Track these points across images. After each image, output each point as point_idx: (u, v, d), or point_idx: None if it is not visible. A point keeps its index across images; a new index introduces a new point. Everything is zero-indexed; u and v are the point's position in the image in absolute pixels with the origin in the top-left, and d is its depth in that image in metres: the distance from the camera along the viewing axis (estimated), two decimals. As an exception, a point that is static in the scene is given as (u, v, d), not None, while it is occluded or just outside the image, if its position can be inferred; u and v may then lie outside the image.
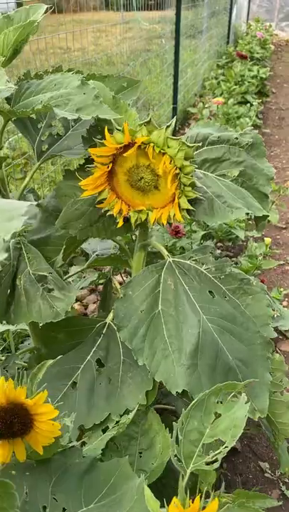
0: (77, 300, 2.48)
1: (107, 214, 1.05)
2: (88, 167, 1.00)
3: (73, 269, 1.63)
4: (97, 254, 1.39)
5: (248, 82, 4.97)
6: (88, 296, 2.50)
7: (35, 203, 1.29)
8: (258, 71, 5.24)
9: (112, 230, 1.10)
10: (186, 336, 1.00)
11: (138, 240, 1.21)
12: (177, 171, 0.94)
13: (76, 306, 2.41)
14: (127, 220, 1.05)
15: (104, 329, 1.19)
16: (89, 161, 1.04)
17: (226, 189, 1.06)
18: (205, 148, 1.10)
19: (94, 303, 2.50)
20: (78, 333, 1.18)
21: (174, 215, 1.00)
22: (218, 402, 0.79)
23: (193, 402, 0.75)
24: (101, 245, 1.46)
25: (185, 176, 0.95)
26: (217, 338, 1.01)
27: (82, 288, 1.53)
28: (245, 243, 2.47)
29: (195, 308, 1.03)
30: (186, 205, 0.98)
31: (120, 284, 2.56)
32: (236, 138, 1.09)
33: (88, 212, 1.08)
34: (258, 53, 6.13)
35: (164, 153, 0.94)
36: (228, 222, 2.04)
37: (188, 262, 1.09)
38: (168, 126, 0.93)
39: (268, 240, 2.01)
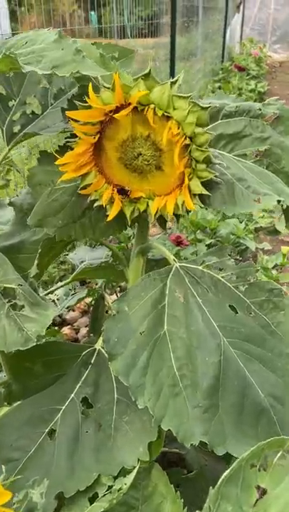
0: (67, 323, 2.20)
1: (95, 205, 0.80)
2: (68, 141, 0.75)
3: (56, 286, 1.36)
4: (85, 264, 1.13)
5: (246, 95, 4.82)
6: (80, 319, 2.23)
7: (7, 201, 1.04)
8: (256, 85, 5.12)
9: (101, 228, 0.85)
10: (202, 367, 0.74)
11: (135, 242, 0.96)
12: (187, 141, 0.70)
13: (66, 330, 2.14)
14: (120, 213, 0.79)
15: (93, 358, 0.92)
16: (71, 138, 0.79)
17: (249, 172, 0.81)
18: (220, 121, 0.85)
19: (86, 326, 2.23)
20: (59, 364, 0.92)
21: (184, 202, 0.75)
22: (259, 469, 0.52)
23: (225, 475, 0.48)
24: (91, 255, 1.21)
25: (198, 148, 0.70)
26: (243, 367, 0.75)
27: (68, 307, 1.26)
28: (254, 256, 2.22)
29: (213, 329, 0.77)
30: (199, 188, 0.73)
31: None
32: (259, 109, 0.86)
33: (70, 204, 0.83)
34: (253, 70, 6.04)
35: (168, 118, 0.70)
36: (236, 232, 1.80)
37: (200, 267, 0.83)
38: (174, 82, 0.69)
39: (285, 249, 1.76)
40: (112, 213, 0.77)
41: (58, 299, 1.38)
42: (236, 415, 0.72)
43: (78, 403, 0.85)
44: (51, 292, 1.13)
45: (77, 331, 2.20)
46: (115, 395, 0.86)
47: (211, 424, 0.71)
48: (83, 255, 1.18)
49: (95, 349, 0.93)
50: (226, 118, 0.85)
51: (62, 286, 1.15)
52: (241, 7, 10.89)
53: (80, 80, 0.83)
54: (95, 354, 0.92)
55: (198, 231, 1.72)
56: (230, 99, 0.88)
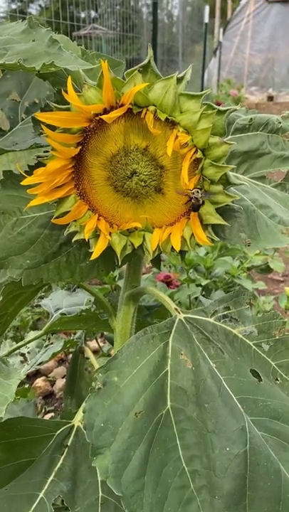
0: (41, 374, 1.96)
1: (74, 240, 0.61)
2: (40, 156, 0.56)
3: (29, 336, 1.15)
4: (62, 313, 0.93)
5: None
6: (56, 369, 1.98)
7: None
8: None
9: (82, 269, 0.66)
10: (222, 460, 0.54)
11: (125, 285, 0.77)
12: (198, 154, 0.52)
13: (40, 382, 1.89)
14: (108, 249, 0.60)
15: (70, 439, 0.71)
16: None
17: (271, 197, 0.64)
18: (231, 136, 0.69)
19: (64, 377, 1.98)
20: (26, 447, 0.70)
21: (193, 235, 0.57)
22: None
23: None
24: (69, 300, 1.00)
25: (213, 163, 0.53)
26: (276, 459, 0.55)
27: (40, 363, 1.04)
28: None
29: (232, 404, 0.57)
30: (213, 217, 0.55)
31: (95, 353, 2.06)
32: (279, 122, 0.70)
33: (41, 239, 0.64)
34: (233, 110, 6.09)
35: (174, 124, 0.52)
36: (231, 271, 1.63)
37: (211, 320, 0.64)
38: (180, 78, 0.52)
39: (288, 290, 1.59)
40: (96, 250, 0.58)
41: (28, 352, 1.16)
42: (271, 531, 0.52)
43: (49, 507, 0.63)
44: (19, 348, 0.92)
45: (52, 382, 1.95)
46: (100, 494, 0.64)
47: None
48: (59, 301, 0.98)
49: (73, 426, 0.72)
50: (238, 132, 0.69)
51: (33, 340, 0.94)
52: (218, 52, 11.28)
53: (55, 83, 0.66)
54: (73, 433, 0.71)
55: (191, 270, 1.54)
56: (242, 111, 0.72)
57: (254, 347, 0.63)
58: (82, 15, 6.00)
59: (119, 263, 0.62)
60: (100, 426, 0.54)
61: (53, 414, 1.83)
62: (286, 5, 10.81)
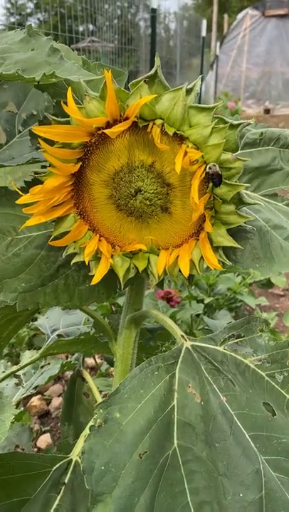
0: (37, 392, 1.89)
1: (73, 262, 0.56)
2: (37, 172, 0.52)
3: (25, 356, 1.10)
4: (59, 335, 0.88)
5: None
6: (52, 387, 1.92)
7: None
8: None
9: (81, 292, 0.61)
10: (235, 508, 0.49)
11: (126, 308, 0.72)
12: (209, 171, 0.48)
13: (35, 401, 1.83)
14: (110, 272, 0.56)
15: (68, 475, 0.65)
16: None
17: (284, 217, 0.60)
18: (240, 151, 0.65)
19: (60, 395, 1.92)
20: (19, 485, 0.64)
21: (202, 258, 0.52)
22: None
23: None
24: (66, 319, 0.95)
25: (225, 181, 0.49)
26: (294, 505, 0.50)
27: (36, 387, 0.99)
28: (249, 312, 1.99)
29: (245, 443, 0.52)
30: (224, 239, 0.51)
31: (92, 369, 1.99)
32: (290, 136, 0.66)
33: (37, 261, 0.59)
34: (230, 122, 6.10)
35: (183, 138, 0.48)
36: (233, 287, 1.59)
37: (221, 348, 0.60)
38: (190, 90, 0.49)
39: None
40: (97, 275, 0.54)
41: (24, 374, 1.11)
42: None
43: None
44: (13, 373, 0.87)
45: (48, 401, 1.89)
46: (100, 539, 0.58)
47: None
48: (56, 321, 0.93)
49: (70, 461, 0.67)
50: (248, 147, 0.65)
51: (29, 364, 0.89)
52: (214, 65, 11.38)
53: (55, 94, 0.62)
54: (70, 469, 0.66)
55: (193, 287, 1.50)
56: (251, 125, 0.68)
57: (267, 378, 0.58)
58: (81, 28, 6.04)
59: (122, 287, 0.58)
60: (100, 469, 0.49)
61: (48, 434, 1.77)
62: (282, 19, 10.94)
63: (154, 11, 5.03)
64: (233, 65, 11.09)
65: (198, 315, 1.44)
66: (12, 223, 0.60)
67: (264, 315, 1.69)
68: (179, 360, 0.58)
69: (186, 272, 0.52)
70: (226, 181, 0.49)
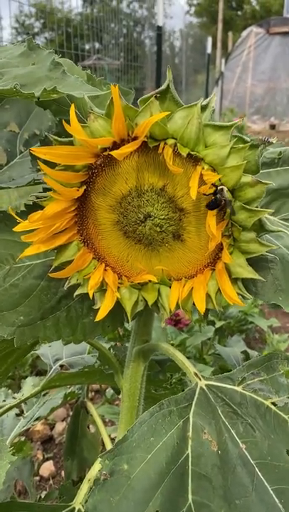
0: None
1: (76, 294, 0.51)
2: (38, 197, 0.48)
3: (26, 384, 1.04)
4: (61, 365, 0.83)
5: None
6: (55, 411, 1.85)
7: None
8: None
9: (84, 325, 0.56)
10: None
11: (134, 339, 0.67)
12: (228, 195, 0.43)
13: (38, 425, 1.77)
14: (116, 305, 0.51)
15: (70, 528, 0.59)
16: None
17: (307, 243, 0.55)
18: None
19: (63, 420, 1.86)
20: (16, 538, 0.58)
21: (219, 291, 0.47)
22: None
23: None
24: (69, 348, 0.90)
25: (244, 206, 0.44)
26: None
27: (38, 419, 0.93)
28: (260, 334, 1.93)
29: (270, 501, 0.46)
30: (244, 270, 0.46)
31: (97, 392, 1.92)
32: (311, 155, 0.61)
33: (38, 291, 0.54)
34: (236, 138, 6.10)
35: (197, 160, 0.43)
36: (244, 309, 1.53)
37: (239, 388, 0.54)
38: (205, 106, 0.44)
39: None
40: (102, 310, 0.49)
41: (25, 403, 1.05)
42: None
43: None
44: (13, 407, 0.81)
45: (52, 426, 1.83)
46: None
47: None
48: (59, 350, 0.88)
49: (73, 510, 0.61)
50: (266, 167, 0.60)
51: (30, 398, 0.84)
52: (220, 82, 11.46)
53: (57, 112, 0.58)
54: (73, 521, 0.60)
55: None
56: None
57: (291, 421, 0.52)
58: (87, 46, 6.10)
59: (129, 320, 0.53)
60: (106, 532, 0.43)
61: (52, 461, 1.70)
62: (286, 37, 11.04)
63: (159, 28, 5.07)
64: (238, 82, 11.17)
65: (208, 338, 1.38)
66: (10, 250, 0.55)
67: (276, 337, 1.62)
68: (193, 403, 0.52)
69: (201, 308, 0.46)
70: (246, 206, 0.44)
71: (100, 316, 0.48)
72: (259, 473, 0.48)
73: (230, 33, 15.25)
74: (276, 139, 0.46)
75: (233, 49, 11.97)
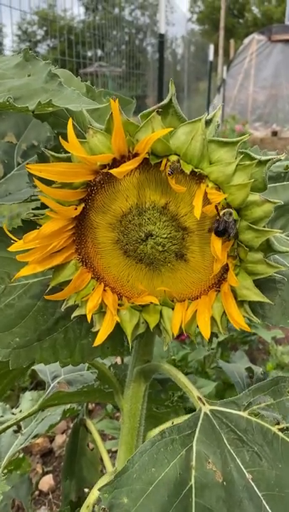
0: (39, 429, 1.79)
1: (74, 316, 0.49)
2: (35, 214, 0.45)
3: (25, 399, 1.02)
4: (60, 382, 0.80)
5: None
6: (55, 423, 1.81)
7: None
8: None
9: (83, 347, 0.54)
10: None
11: (135, 358, 0.64)
12: (234, 215, 0.41)
13: (38, 439, 1.73)
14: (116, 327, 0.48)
15: None
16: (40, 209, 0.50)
17: (316, 261, 0.52)
18: (263, 186, 0.58)
19: (63, 432, 1.83)
20: None
21: (224, 314, 0.45)
22: None
23: None
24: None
25: (251, 226, 0.41)
26: None
27: (36, 436, 0.91)
28: (263, 345, 1.90)
29: (278, 537, 0.44)
30: (252, 292, 0.44)
31: (99, 404, 1.89)
32: None
33: (34, 312, 0.52)
34: (238, 145, 6.09)
35: (201, 177, 0.41)
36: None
37: (245, 414, 0.51)
38: (209, 121, 0.42)
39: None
40: (102, 333, 0.46)
41: (23, 418, 1.02)
42: None
43: None
44: (11, 426, 0.79)
45: (51, 438, 1.80)
46: None
47: None
48: (57, 366, 0.84)
49: (71, 539, 0.58)
50: (271, 182, 0.58)
51: (27, 417, 0.81)
52: (221, 89, 11.49)
53: (55, 125, 0.56)
54: None
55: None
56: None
57: (299, 450, 0.50)
58: (89, 54, 6.12)
59: (130, 343, 0.50)
60: None
61: (51, 475, 1.67)
62: (288, 44, 11.07)
63: (162, 36, 5.08)
64: (240, 89, 11.19)
65: (211, 348, 1.35)
66: (6, 268, 0.53)
67: (279, 348, 1.59)
68: (197, 430, 0.50)
69: (206, 334, 0.44)
70: (252, 226, 0.42)
71: (99, 340, 0.46)
72: (267, 507, 0.46)
73: (231, 41, 15.32)
74: (285, 155, 0.44)
75: (235, 56, 12.01)
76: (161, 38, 5.09)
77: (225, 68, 11.86)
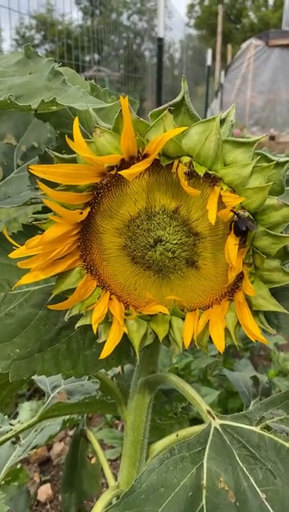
0: (37, 436, 1.75)
1: (78, 326, 0.46)
2: (36, 218, 0.43)
3: (23, 409, 0.99)
4: (60, 392, 0.77)
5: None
6: (53, 431, 1.78)
7: None
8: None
9: (86, 358, 0.51)
10: None
11: (139, 369, 0.62)
12: (250, 220, 0.39)
13: (35, 447, 1.69)
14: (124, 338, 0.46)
15: None
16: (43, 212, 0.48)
17: None
18: (274, 189, 0.56)
19: (61, 440, 1.79)
20: None
21: (238, 324, 0.42)
22: None
23: None
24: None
25: (268, 232, 0.39)
26: None
27: (35, 447, 0.88)
28: (265, 351, 1.87)
29: None
30: (268, 302, 0.41)
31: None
32: None
33: (36, 321, 0.49)
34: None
35: (215, 180, 0.39)
36: (248, 325, 1.48)
37: (257, 429, 0.49)
38: (223, 120, 0.40)
39: None
40: (108, 345, 0.44)
41: (21, 430, 0.99)
42: None
43: None
44: (10, 439, 0.76)
45: (49, 446, 1.76)
46: None
47: None
48: (57, 376, 0.82)
49: None
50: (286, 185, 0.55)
51: (26, 429, 0.78)
52: (219, 93, 11.51)
53: (58, 125, 0.54)
54: None
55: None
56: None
57: (315, 467, 0.47)
58: (87, 58, 6.11)
59: (137, 355, 0.48)
60: None
61: (49, 484, 1.63)
62: (286, 49, 11.11)
63: (160, 40, 5.07)
64: (237, 93, 11.21)
65: (214, 355, 1.32)
66: (6, 276, 0.50)
67: (281, 355, 1.57)
68: (207, 446, 0.47)
69: (221, 347, 0.41)
70: (269, 231, 0.39)
71: (106, 352, 0.43)
72: (282, 529, 0.43)
73: (229, 46, 15.37)
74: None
75: (232, 61, 12.04)
76: (160, 43, 5.09)
77: (222, 73, 11.88)
